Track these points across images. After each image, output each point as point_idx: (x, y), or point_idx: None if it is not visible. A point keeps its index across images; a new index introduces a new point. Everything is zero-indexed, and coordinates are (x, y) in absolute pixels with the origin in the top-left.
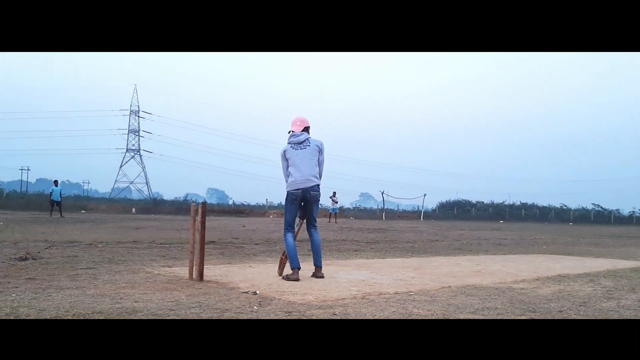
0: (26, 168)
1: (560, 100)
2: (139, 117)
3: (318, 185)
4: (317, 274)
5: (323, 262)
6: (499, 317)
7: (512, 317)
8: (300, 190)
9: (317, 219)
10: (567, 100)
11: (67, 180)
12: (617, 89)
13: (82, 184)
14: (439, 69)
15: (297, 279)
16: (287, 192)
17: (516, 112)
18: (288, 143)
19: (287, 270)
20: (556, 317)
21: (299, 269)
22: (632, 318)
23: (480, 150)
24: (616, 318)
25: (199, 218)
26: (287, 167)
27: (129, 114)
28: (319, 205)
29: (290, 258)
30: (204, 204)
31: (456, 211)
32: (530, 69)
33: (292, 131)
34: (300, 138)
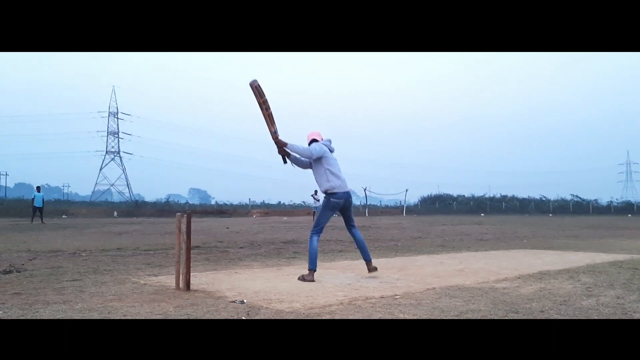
0: (4, 173)
1: (537, 92)
2: (117, 118)
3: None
4: (369, 267)
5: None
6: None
7: (496, 319)
8: (343, 200)
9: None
10: (545, 93)
11: (47, 184)
12: (593, 82)
13: (62, 188)
14: (418, 65)
15: (312, 280)
16: (330, 199)
17: (494, 105)
18: (324, 144)
19: (304, 270)
20: (537, 317)
21: (315, 271)
22: (609, 318)
23: (460, 143)
24: (596, 316)
25: (184, 228)
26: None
27: (107, 115)
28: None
29: (310, 259)
30: (189, 214)
31: (438, 205)
32: (507, 63)
33: (315, 139)
34: (332, 145)
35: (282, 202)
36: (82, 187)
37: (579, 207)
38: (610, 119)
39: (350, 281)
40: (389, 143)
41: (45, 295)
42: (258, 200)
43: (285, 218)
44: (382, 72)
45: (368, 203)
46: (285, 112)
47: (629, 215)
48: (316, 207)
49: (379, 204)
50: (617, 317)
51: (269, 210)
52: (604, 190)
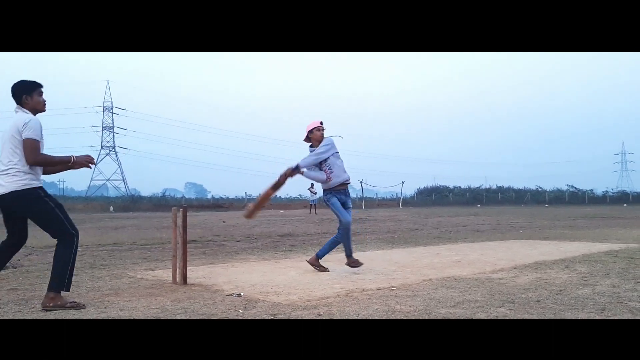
0: None
1: (533, 85)
2: (112, 113)
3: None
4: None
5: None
6: (479, 310)
7: (492, 309)
8: None
9: (340, 218)
10: (540, 85)
11: (42, 180)
12: (588, 75)
13: (58, 183)
14: (417, 63)
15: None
16: None
17: (490, 96)
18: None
19: (301, 263)
20: (534, 307)
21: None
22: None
23: (456, 135)
24: (592, 306)
25: (180, 222)
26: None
27: (102, 110)
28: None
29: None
30: (185, 208)
31: (434, 197)
32: (503, 59)
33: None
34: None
35: (278, 196)
36: (77, 182)
37: (575, 198)
38: (605, 109)
39: (347, 273)
40: (386, 135)
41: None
42: (254, 194)
43: (282, 211)
44: (381, 68)
45: (364, 196)
46: (284, 110)
47: (624, 205)
48: (313, 200)
49: (375, 197)
50: (612, 306)
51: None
52: (600, 180)
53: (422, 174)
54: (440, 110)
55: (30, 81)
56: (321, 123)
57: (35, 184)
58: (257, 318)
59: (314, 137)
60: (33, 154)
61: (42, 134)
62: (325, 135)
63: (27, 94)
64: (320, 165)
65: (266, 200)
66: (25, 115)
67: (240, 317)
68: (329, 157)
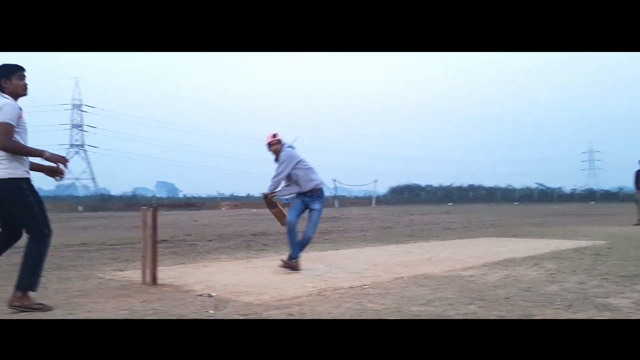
0: None
1: (504, 84)
2: (82, 111)
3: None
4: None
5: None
6: (450, 307)
7: (462, 307)
8: None
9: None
10: (510, 85)
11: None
12: (556, 75)
13: None
14: (389, 59)
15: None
16: None
17: (459, 94)
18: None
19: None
20: (503, 304)
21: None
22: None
23: (427, 132)
24: (559, 302)
25: (150, 221)
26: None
27: (71, 108)
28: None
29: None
30: (155, 207)
31: (407, 195)
32: (472, 57)
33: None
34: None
35: (251, 194)
36: (45, 181)
37: (544, 195)
38: (573, 106)
39: (319, 272)
40: (358, 133)
41: (7, 293)
42: (227, 192)
43: (254, 210)
44: (354, 67)
45: (337, 194)
46: (261, 107)
47: (592, 202)
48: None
49: (348, 195)
50: (579, 302)
51: (238, 202)
52: (568, 178)
53: (394, 172)
54: (411, 108)
55: (9, 64)
56: (274, 136)
57: (19, 174)
58: (229, 318)
59: (271, 150)
60: (4, 139)
61: (19, 120)
62: (283, 142)
63: (5, 77)
64: (287, 178)
65: (280, 215)
66: (3, 100)
67: (211, 318)
68: (290, 172)
